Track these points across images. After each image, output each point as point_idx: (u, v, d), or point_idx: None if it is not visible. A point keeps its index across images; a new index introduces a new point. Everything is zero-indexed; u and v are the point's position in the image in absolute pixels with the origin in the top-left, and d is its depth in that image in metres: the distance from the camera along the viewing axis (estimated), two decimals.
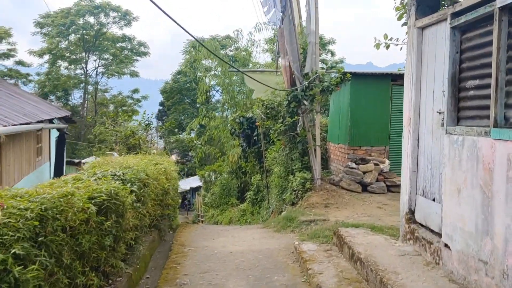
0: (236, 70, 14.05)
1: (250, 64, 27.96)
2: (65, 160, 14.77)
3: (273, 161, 12.02)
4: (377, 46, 14.18)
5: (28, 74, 43.67)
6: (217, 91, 44.67)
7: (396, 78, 11.93)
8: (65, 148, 14.22)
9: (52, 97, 42.79)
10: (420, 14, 6.05)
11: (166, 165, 9.59)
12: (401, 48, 14.24)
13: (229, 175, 26.01)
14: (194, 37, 6.27)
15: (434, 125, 5.51)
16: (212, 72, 39.86)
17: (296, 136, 10.34)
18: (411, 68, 6.20)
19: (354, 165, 11.39)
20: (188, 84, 41.49)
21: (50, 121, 13.91)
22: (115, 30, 42.77)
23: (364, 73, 11.81)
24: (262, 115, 11.16)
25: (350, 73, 10.59)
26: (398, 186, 10.28)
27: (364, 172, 11.33)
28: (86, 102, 46.46)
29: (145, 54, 43.83)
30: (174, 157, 49.27)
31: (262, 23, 23.70)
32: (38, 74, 42.44)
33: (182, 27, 5.84)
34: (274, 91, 10.88)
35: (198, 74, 28.58)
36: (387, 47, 14.28)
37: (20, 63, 42.60)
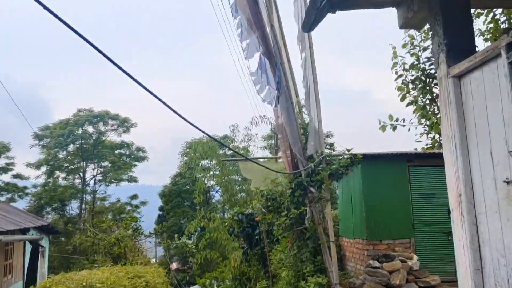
0: (230, 160, 12.60)
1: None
2: (39, 276, 12.65)
3: (280, 263, 10.01)
4: (383, 128, 12.62)
5: (25, 187, 42.38)
6: (217, 191, 43.06)
7: (413, 158, 10.31)
8: (38, 263, 12.20)
9: (48, 209, 41.08)
10: (454, 59, 4.56)
11: (149, 277, 7.67)
12: (409, 129, 12.73)
13: (231, 282, 23.43)
14: (201, 130, 4.75)
15: (501, 201, 3.78)
16: (211, 172, 38.62)
17: (305, 231, 8.51)
18: (451, 130, 4.55)
19: (377, 264, 9.33)
20: (187, 186, 39.96)
21: (23, 232, 12.06)
22: (113, 137, 42.35)
23: (376, 154, 10.22)
24: (263, 209, 9.38)
25: (361, 154, 8.95)
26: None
27: (390, 272, 9.23)
28: (84, 212, 44.64)
29: (143, 159, 42.89)
30: (174, 265, 46.30)
31: (258, 116, 22.73)
32: (35, 186, 41.11)
33: (190, 122, 4.37)
34: (274, 180, 9.22)
35: (196, 175, 27.24)
36: (394, 128, 12.80)
37: (17, 176, 41.50)
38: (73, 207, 43.76)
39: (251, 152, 25.08)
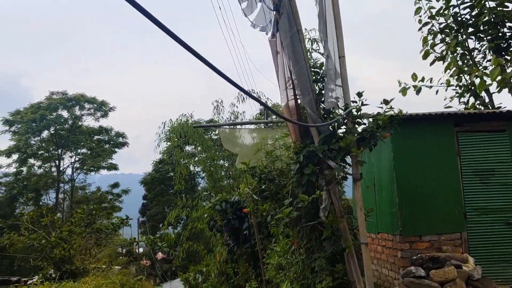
0: (206, 126, 9.32)
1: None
2: None
3: (278, 272, 6.84)
4: (404, 91, 9.37)
5: None
6: (202, 178, 39.75)
7: (463, 121, 7.17)
8: None
9: (21, 199, 37.44)
10: None
11: None
12: (437, 92, 9.47)
13: (217, 278, 20.28)
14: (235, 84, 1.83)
15: None
16: (196, 158, 35.28)
17: (319, 228, 5.35)
18: None
19: (421, 272, 6.23)
20: (170, 173, 36.63)
21: None
22: (91, 122, 38.67)
23: (410, 115, 7.03)
24: (254, 195, 6.14)
25: (398, 116, 5.61)
26: None
27: (442, 283, 6.16)
28: (63, 202, 41.12)
29: (123, 144, 39.32)
30: (160, 254, 43.11)
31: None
32: (6, 175, 37.37)
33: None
34: (271, 152, 5.98)
35: (180, 160, 23.83)
36: (418, 91, 9.57)
37: None
38: (51, 197, 40.30)
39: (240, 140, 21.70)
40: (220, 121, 20.90)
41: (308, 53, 5.80)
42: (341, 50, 5.32)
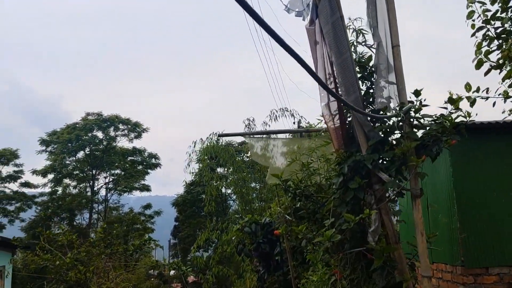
0: (230, 135, 8.25)
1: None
2: None
3: None
4: (455, 102, 8.07)
5: (34, 196, 39.00)
6: (234, 200, 38.87)
7: None
8: None
9: (55, 219, 37.50)
10: None
11: None
12: (494, 104, 8.37)
13: None
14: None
15: None
16: (228, 180, 34.59)
17: (368, 255, 4.31)
18: None
19: None
20: (202, 195, 35.94)
21: None
22: (124, 143, 38.65)
23: (474, 124, 5.93)
24: (287, 215, 5.15)
25: (466, 118, 4.52)
26: None
27: None
28: (96, 222, 41.02)
29: (156, 166, 39.02)
30: (192, 278, 42.11)
31: (279, 109, 18.50)
32: (42, 195, 37.63)
33: None
34: (307, 164, 4.99)
35: (211, 182, 22.87)
36: (473, 103, 8.43)
37: (26, 184, 38.15)
38: (85, 217, 40.28)
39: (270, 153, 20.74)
40: (251, 140, 20.09)
41: (352, 47, 4.85)
42: (394, 38, 4.35)
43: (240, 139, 22.84)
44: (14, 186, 37.74)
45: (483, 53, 9.94)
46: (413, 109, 4.25)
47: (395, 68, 4.27)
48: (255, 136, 7.49)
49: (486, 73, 10.22)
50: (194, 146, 20.06)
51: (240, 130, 19.42)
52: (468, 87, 9.56)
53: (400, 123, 4.31)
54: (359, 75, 4.70)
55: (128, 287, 11.25)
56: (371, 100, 4.61)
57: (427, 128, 4.29)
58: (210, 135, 18.98)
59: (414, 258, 4.58)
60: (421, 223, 4.13)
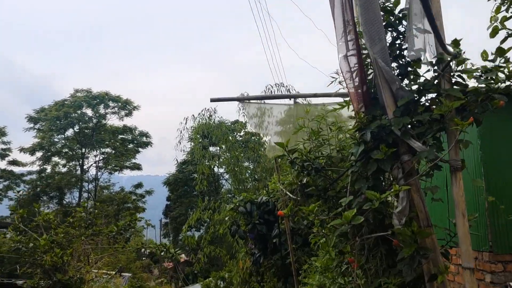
0: (229, 99, 7.30)
1: (262, 149, 21.61)
2: None
3: None
4: (505, 52, 7.06)
5: (22, 175, 37.93)
6: (226, 179, 38.14)
7: None
8: None
9: (44, 198, 36.57)
10: None
11: None
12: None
13: (241, 286, 18.48)
14: None
15: None
16: (221, 159, 33.78)
17: (387, 240, 3.50)
18: None
19: None
20: (194, 174, 35.14)
21: None
22: (115, 121, 37.52)
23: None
24: (289, 193, 4.30)
25: None
26: None
27: None
28: (87, 201, 40.15)
29: (147, 144, 38.03)
30: (183, 257, 41.62)
31: (274, 84, 17.52)
32: (30, 173, 36.59)
33: None
34: (316, 132, 4.12)
35: (204, 161, 21.86)
36: None
37: (13, 163, 37.04)
38: (75, 196, 39.37)
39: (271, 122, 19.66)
40: (248, 107, 19.11)
41: None
42: None
43: (233, 116, 21.82)
44: (1, 164, 36.71)
45: (499, 20, 9.08)
46: (455, 62, 3.38)
47: (433, 11, 3.38)
48: (251, 101, 6.50)
49: (502, 42, 9.37)
50: (186, 123, 19.16)
51: (234, 106, 18.42)
52: (484, 55, 8.77)
53: (437, 80, 3.45)
54: (387, 20, 3.80)
55: (113, 269, 10.46)
56: (398, 53, 3.72)
57: (472, 85, 3.42)
58: (202, 111, 18.09)
59: (447, 245, 3.78)
60: (462, 202, 3.31)
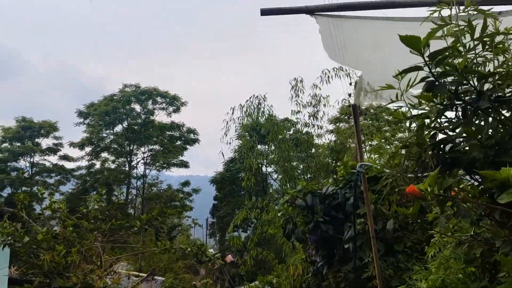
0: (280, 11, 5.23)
1: (313, 149, 19.25)
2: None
3: None
4: None
5: (73, 170, 37.70)
6: (275, 179, 36.08)
7: None
8: None
9: (93, 193, 36.08)
10: None
11: None
12: None
13: None
14: None
15: None
16: (270, 157, 31.72)
17: None
18: None
19: None
20: (241, 173, 33.41)
21: None
22: (163, 118, 36.50)
23: None
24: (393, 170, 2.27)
25: None
26: None
27: None
28: (136, 197, 39.46)
29: (194, 141, 36.70)
30: (230, 257, 39.95)
31: (332, 69, 15.30)
32: (80, 168, 36.22)
33: None
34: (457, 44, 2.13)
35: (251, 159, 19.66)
36: None
37: (65, 157, 36.86)
38: (124, 193, 38.70)
39: (320, 125, 17.36)
40: (298, 108, 16.88)
41: None
42: None
43: (283, 99, 19.10)
44: (53, 159, 36.62)
45: None
46: None
47: None
48: (327, 13, 4.02)
49: None
50: (233, 113, 17.18)
51: (286, 91, 16.23)
52: None
53: None
54: None
55: (145, 271, 8.67)
56: None
57: None
58: (250, 98, 16.08)
59: None
60: None
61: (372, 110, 24.64)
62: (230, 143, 17.58)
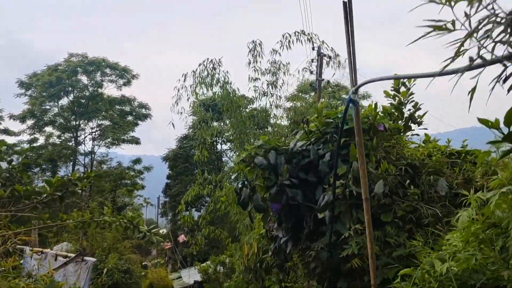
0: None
1: (269, 127, 17.84)
2: None
3: None
4: None
5: (15, 145, 34.48)
6: (230, 158, 34.64)
7: None
8: None
9: (35, 170, 33.18)
10: None
11: None
12: None
13: (243, 276, 15.08)
14: None
15: None
16: (226, 134, 30.28)
17: None
18: None
19: None
20: (195, 150, 31.71)
21: None
22: (113, 91, 33.88)
23: None
24: None
25: None
26: None
27: None
28: (83, 175, 36.75)
29: (146, 116, 34.45)
30: (182, 237, 38.37)
31: (293, 33, 13.87)
32: (21, 143, 33.12)
33: None
34: None
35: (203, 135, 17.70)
36: None
37: (5, 131, 33.60)
38: (69, 170, 35.96)
39: (279, 95, 15.90)
40: (256, 75, 15.33)
41: None
42: None
43: (240, 63, 17.36)
44: None
45: None
46: None
47: None
48: None
49: None
50: (185, 80, 15.34)
51: (242, 55, 14.59)
52: None
53: None
54: None
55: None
56: None
57: None
58: (204, 61, 14.33)
59: None
60: None
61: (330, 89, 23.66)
62: (181, 113, 15.75)
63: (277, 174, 4.45)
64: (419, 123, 4.81)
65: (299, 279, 5.16)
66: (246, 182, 4.55)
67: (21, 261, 7.68)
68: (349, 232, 3.81)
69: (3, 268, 4.47)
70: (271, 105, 15.53)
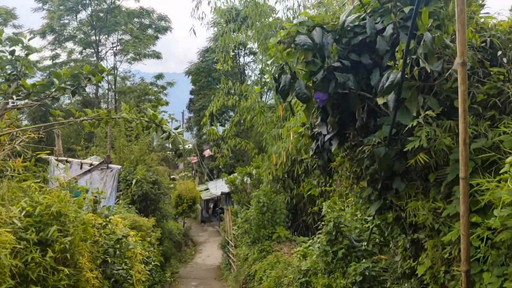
0: None
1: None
2: None
3: None
4: None
5: (37, 62, 34.03)
6: (254, 70, 33.43)
7: None
8: None
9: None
10: None
11: None
12: None
13: (272, 185, 14.84)
14: None
15: None
16: (249, 46, 28.95)
17: None
18: None
19: None
20: (216, 64, 30.61)
21: None
22: (131, 4, 32.28)
23: None
24: None
25: None
26: None
27: None
28: (108, 92, 36.62)
29: (166, 29, 33.03)
30: (208, 152, 38.68)
31: None
32: (44, 59, 32.62)
33: None
34: None
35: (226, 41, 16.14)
36: None
37: (27, 48, 32.92)
38: (93, 87, 35.68)
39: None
40: None
41: None
42: None
43: None
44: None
45: None
46: None
47: None
48: None
49: None
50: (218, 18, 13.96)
51: None
52: None
53: None
54: None
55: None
56: None
57: None
58: None
59: None
60: None
61: None
62: (202, 18, 14.57)
63: (324, 57, 3.61)
64: None
65: (343, 182, 4.53)
66: (285, 66, 3.73)
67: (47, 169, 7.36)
68: (417, 120, 3.04)
69: (13, 169, 3.99)
70: (299, 5, 14.09)
